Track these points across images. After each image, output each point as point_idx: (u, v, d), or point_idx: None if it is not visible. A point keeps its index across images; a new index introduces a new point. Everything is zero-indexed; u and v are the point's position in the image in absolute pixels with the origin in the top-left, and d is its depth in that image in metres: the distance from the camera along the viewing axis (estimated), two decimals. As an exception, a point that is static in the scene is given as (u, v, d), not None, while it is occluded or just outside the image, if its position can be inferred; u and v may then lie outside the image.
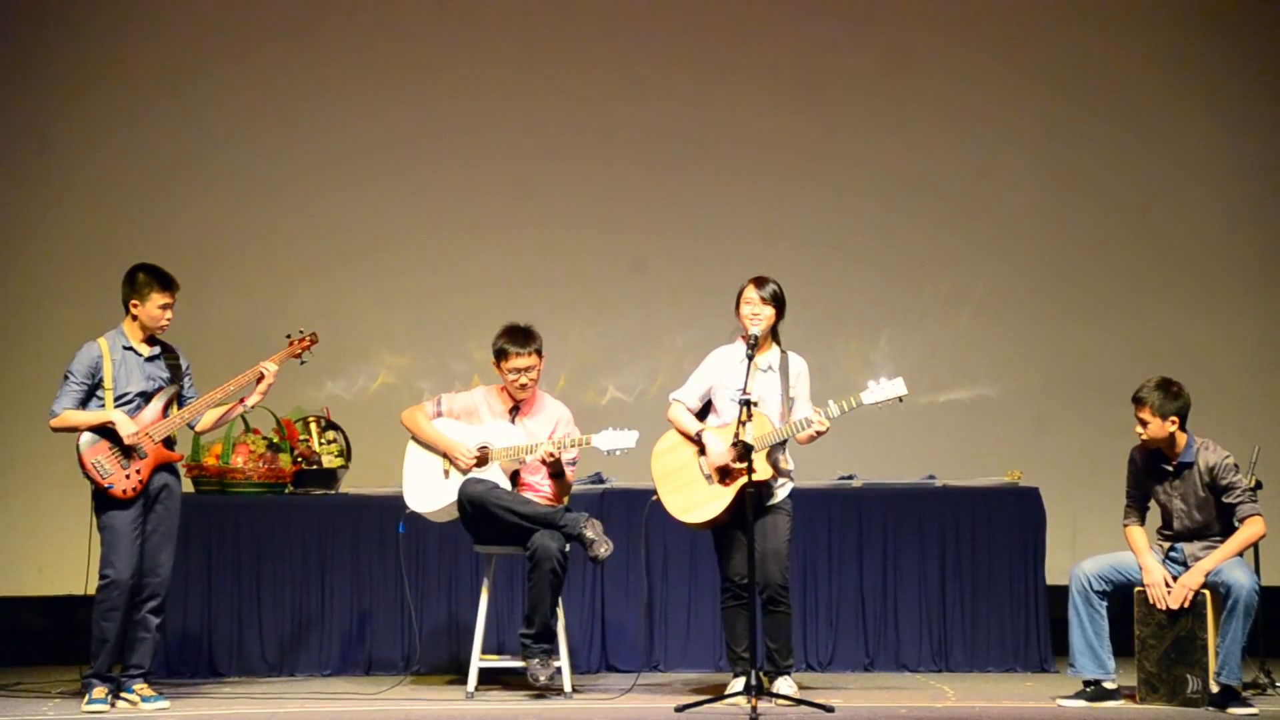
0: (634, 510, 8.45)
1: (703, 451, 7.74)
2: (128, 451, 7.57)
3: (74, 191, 10.29)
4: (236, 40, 10.41)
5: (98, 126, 10.35)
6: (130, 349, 7.70)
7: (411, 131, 10.44)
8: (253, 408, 7.96)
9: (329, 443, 9.19)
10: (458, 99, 10.47)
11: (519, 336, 8.07)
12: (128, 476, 7.56)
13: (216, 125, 10.36)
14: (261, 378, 7.80)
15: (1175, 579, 7.54)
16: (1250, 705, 7.40)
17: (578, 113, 10.51)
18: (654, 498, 7.84)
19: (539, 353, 8.09)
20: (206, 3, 10.48)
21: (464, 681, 8.00)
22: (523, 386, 8.07)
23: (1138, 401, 7.59)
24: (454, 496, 7.93)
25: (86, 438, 7.56)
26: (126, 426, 7.56)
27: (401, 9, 10.53)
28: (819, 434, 7.67)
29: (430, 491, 8.07)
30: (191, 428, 7.89)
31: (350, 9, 10.53)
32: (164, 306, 7.69)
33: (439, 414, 8.18)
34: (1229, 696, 7.38)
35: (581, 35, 10.55)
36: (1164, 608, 7.52)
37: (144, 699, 7.63)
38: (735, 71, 10.55)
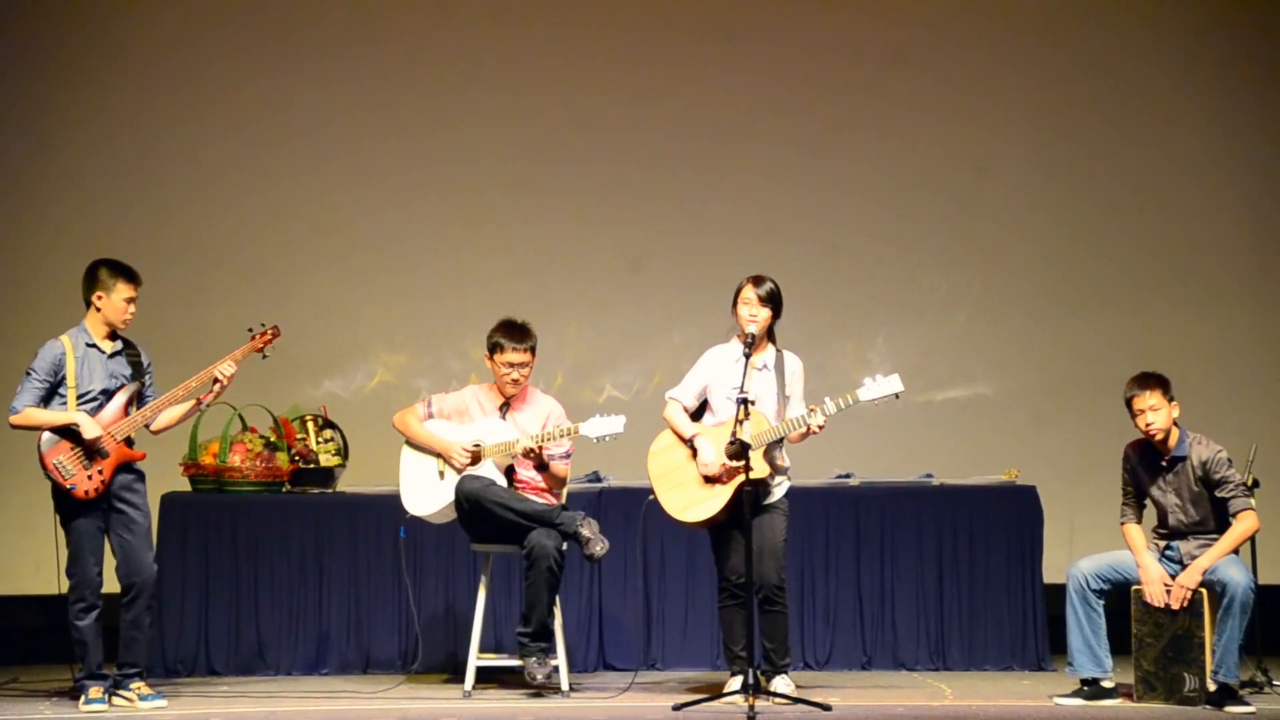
0: (631, 509, 8.45)
1: (696, 456, 7.74)
2: (90, 452, 7.55)
3: (71, 189, 10.28)
4: (233, 38, 10.40)
5: (95, 125, 10.34)
6: (93, 346, 7.65)
7: (408, 129, 10.43)
8: (208, 407, 7.90)
9: (326, 441, 9.19)
10: (456, 96, 10.47)
11: (515, 332, 8.08)
12: (90, 477, 7.52)
13: (213, 123, 10.35)
14: (217, 380, 7.74)
15: (1172, 578, 7.55)
16: (1247, 704, 7.41)
17: (575, 111, 10.50)
18: (651, 498, 7.84)
19: (533, 350, 8.10)
20: (203, 0, 10.47)
21: (461, 680, 8.01)
22: (514, 382, 8.08)
23: (1139, 394, 7.55)
24: (451, 497, 7.93)
25: (47, 437, 7.52)
26: (91, 429, 7.50)
27: (399, 6, 10.52)
28: (813, 432, 7.67)
29: (427, 494, 8.07)
30: (147, 427, 7.79)
31: (347, 6, 10.52)
32: (128, 300, 7.64)
33: (430, 415, 8.18)
34: (1226, 695, 7.38)
35: (579, 33, 10.55)
36: (1162, 605, 7.52)
37: (141, 697, 7.62)
38: (733, 70, 10.54)
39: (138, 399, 7.71)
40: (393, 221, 10.42)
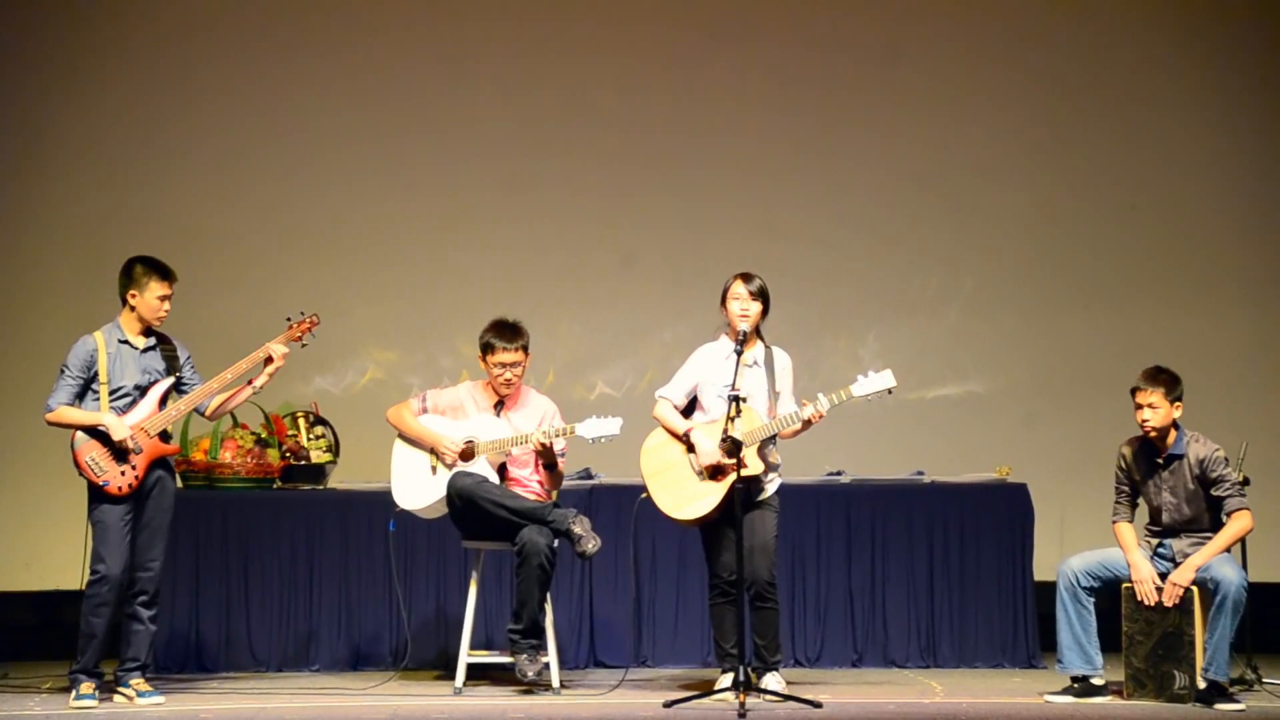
0: (623, 506, 8.45)
1: (691, 450, 7.73)
2: (120, 451, 7.55)
3: (67, 186, 10.27)
4: (227, 35, 10.39)
5: (90, 122, 10.33)
6: (125, 342, 7.67)
7: (401, 126, 10.42)
8: (260, 389, 7.92)
9: (317, 438, 9.19)
10: (448, 94, 10.46)
11: (506, 332, 8.07)
12: (123, 473, 7.54)
13: (207, 120, 10.34)
14: (270, 360, 7.77)
15: (1163, 576, 7.55)
16: (1237, 701, 7.41)
17: (568, 108, 10.49)
18: (643, 495, 7.83)
19: (525, 349, 8.09)
20: (196, -1, 10.50)
21: (452, 677, 7.99)
22: (507, 382, 8.07)
23: (1143, 388, 7.56)
24: (442, 492, 7.92)
25: (80, 435, 7.55)
26: (119, 430, 7.52)
27: (391, 4, 10.51)
28: (808, 424, 7.65)
29: (418, 488, 8.06)
30: (201, 414, 7.86)
31: (340, 4, 10.51)
32: (163, 298, 7.67)
33: (424, 410, 8.17)
34: (1216, 692, 7.38)
35: (571, 30, 10.54)
36: (1152, 604, 7.52)
37: (140, 694, 7.63)
38: (725, 67, 10.54)
39: (174, 392, 7.72)
40: (385, 219, 10.41)
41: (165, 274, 7.70)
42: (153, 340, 7.75)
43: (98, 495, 7.58)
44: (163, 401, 7.68)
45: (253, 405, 8.92)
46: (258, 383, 7.86)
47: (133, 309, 7.68)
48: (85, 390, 7.62)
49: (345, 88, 10.42)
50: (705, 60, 10.54)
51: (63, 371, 7.62)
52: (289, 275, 10.27)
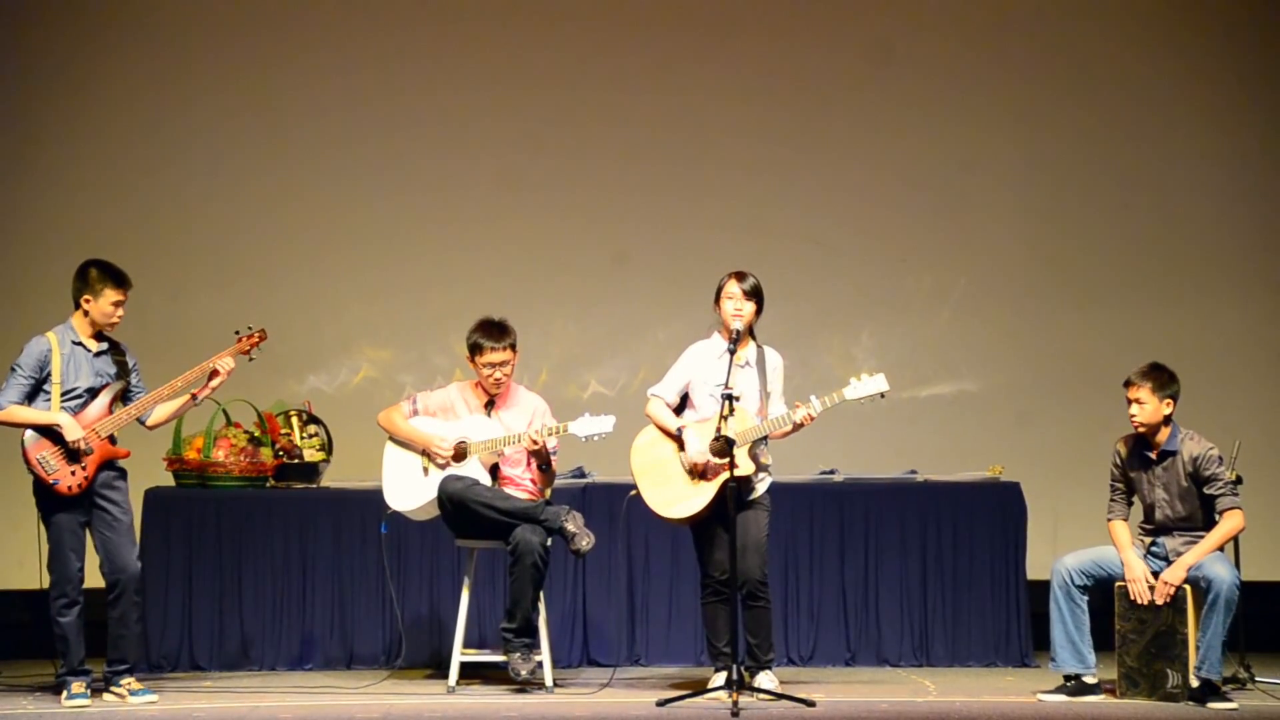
0: (616, 504, 8.43)
1: (683, 448, 7.73)
2: (72, 451, 7.54)
3: (57, 185, 10.25)
4: (220, 34, 10.37)
5: (82, 121, 10.31)
6: (79, 344, 7.66)
7: (393, 124, 10.41)
8: (200, 403, 7.91)
9: (310, 436, 9.18)
10: (440, 92, 10.45)
11: (493, 331, 8.06)
12: (73, 473, 7.53)
13: (199, 118, 10.32)
14: (215, 373, 7.76)
15: (1156, 574, 7.56)
16: (1230, 700, 7.42)
17: (560, 106, 10.48)
18: (633, 493, 7.83)
19: (513, 347, 8.08)
20: (189, -1, 10.49)
21: (445, 676, 8.00)
22: (497, 381, 8.07)
23: (1133, 383, 7.59)
24: (434, 494, 7.92)
25: (30, 434, 7.54)
26: (73, 431, 7.51)
27: (383, 3, 10.50)
28: (800, 426, 7.66)
29: (410, 490, 8.06)
30: (142, 423, 7.83)
31: (333, 4, 10.50)
32: (116, 304, 7.66)
33: (415, 412, 8.17)
34: (1209, 691, 7.39)
35: (565, 28, 10.53)
36: (1145, 603, 7.53)
37: (132, 693, 7.63)
38: (718, 65, 10.53)
39: (122, 397, 7.72)
40: (378, 217, 10.40)
41: (120, 281, 7.68)
42: (105, 344, 7.74)
43: (46, 497, 7.57)
44: (112, 405, 7.67)
45: (246, 404, 8.95)
46: (200, 396, 7.84)
47: (86, 313, 7.67)
48: (37, 390, 7.60)
49: (338, 87, 10.41)
50: (699, 59, 10.52)
51: (14, 370, 7.60)
52: (281, 275, 10.27)
